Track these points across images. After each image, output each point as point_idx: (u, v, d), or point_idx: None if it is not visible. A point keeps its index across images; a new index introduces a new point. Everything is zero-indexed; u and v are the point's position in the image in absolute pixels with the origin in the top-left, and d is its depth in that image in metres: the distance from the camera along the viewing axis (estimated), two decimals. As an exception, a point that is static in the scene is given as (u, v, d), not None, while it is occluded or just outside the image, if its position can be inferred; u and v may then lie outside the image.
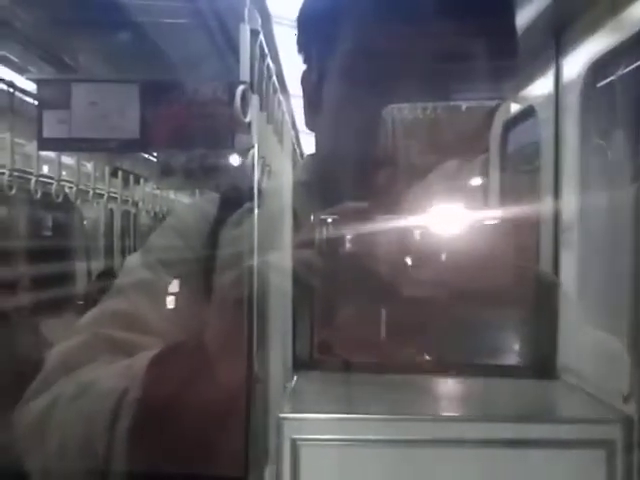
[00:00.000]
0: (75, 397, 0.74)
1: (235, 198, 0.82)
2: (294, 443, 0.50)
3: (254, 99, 0.60)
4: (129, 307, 0.82)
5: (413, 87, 0.75)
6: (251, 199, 0.59)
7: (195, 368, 0.69)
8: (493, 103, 0.80)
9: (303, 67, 0.87)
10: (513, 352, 0.69)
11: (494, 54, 0.75)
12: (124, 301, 0.83)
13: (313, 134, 0.89)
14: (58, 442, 0.73)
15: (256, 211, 0.61)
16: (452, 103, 0.76)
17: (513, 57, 0.78)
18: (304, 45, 0.87)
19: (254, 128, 0.59)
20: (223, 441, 0.65)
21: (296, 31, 0.87)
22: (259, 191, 0.69)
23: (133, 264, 0.89)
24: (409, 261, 0.71)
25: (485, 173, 0.84)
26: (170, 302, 0.82)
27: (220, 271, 0.78)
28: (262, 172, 0.62)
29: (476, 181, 0.81)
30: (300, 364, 0.64)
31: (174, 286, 0.82)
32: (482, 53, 0.75)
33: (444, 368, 0.67)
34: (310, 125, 0.88)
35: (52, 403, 0.75)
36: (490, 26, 0.74)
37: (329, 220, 0.69)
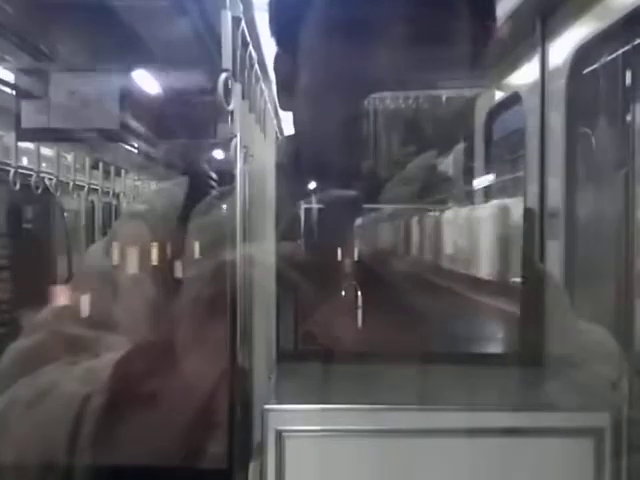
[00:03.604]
0: (32, 403, 0.69)
1: (204, 183, 0.79)
2: (279, 435, 0.49)
3: (236, 87, 0.59)
4: (91, 301, 0.76)
5: (388, 70, 0.74)
6: (222, 184, 0.58)
7: (165, 368, 0.66)
8: (473, 92, 0.79)
9: (275, 49, 0.86)
10: (500, 340, 0.68)
11: (471, 40, 0.74)
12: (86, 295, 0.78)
13: (291, 117, 0.88)
14: (13, 452, 0.68)
15: (240, 201, 0.60)
16: (431, 91, 0.74)
17: (489, 43, 0.77)
18: (276, 27, 0.85)
19: (236, 117, 0.58)
20: (206, 437, 0.64)
21: (267, 12, 0.85)
22: (231, 176, 0.67)
23: (95, 254, 0.84)
24: (394, 250, 0.71)
25: (466, 161, 0.83)
26: (136, 295, 0.77)
27: (189, 262, 0.74)
28: (245, 161, 0.61)
29: (457, 170, 0.80)
30: (284, 355, 0.63)
31: (140, 277, 0.77)
32: (458, 37, 0.74)
33: (430, 357, 0.66)
34: (285, 106, 0.86)
35: (6, 409, 0.70)
36: (468, 10, 0.73)
37: (313, 209, 0.68)
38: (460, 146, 0.81)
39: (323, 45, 0.79)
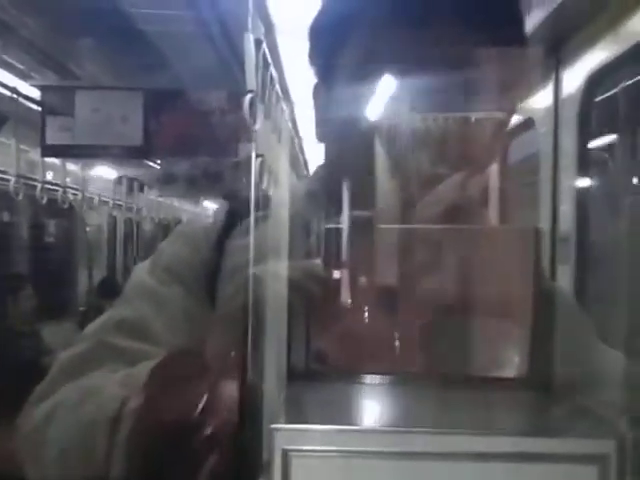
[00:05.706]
0: (75, 405, 0.75)
1: (242, 206, 0.83)
2: (285, 454, 0.49)
3: (260, 108, 0.60)
4: (134, 315, 0.83)
5: (423, 102, 0.75)
6: (258, 208, 0.59)
7: (194, 378, 0.69)
8: (502, 114, 0.79)
9: (314, 80, 0.87)
10: (509, 364, 0.68)
11: (504, 63, 0.75)
12: (130, 309, 0.85)
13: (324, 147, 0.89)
14: (58, 450, 0.74)
15: (259, 221, 0.61)
16: (461, 114, 0.75)
17: (523, 67, 0.78)
18: (315, 58, 0.87)
19: (260, 137, 0.59)
20: (219, 451, 0.65)
21: (308, 44, 0.87)
22: (267, 200, 0.68)
23: (141, 271, 0.90)
24: (411, 272, 0.71)
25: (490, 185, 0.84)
26: (175, 311, 0.82)
27: (224, 281, 0.79)
28: (269, 181, 0.62)
29: (483, 193, 0.80)
30: (295, 374, 0.64)
31: (180, 294, 0.84)
32: (492, 62, 0.75)
33: (440, 380, 0.66)
34: (319, 137, 0.88)
35: (53, 410, 0.76)
36: (500, 35, 0.74)
37: (334, 229, 0.69)
38: (491, 169, 0.81)
39: (359, 76, 0.80)
